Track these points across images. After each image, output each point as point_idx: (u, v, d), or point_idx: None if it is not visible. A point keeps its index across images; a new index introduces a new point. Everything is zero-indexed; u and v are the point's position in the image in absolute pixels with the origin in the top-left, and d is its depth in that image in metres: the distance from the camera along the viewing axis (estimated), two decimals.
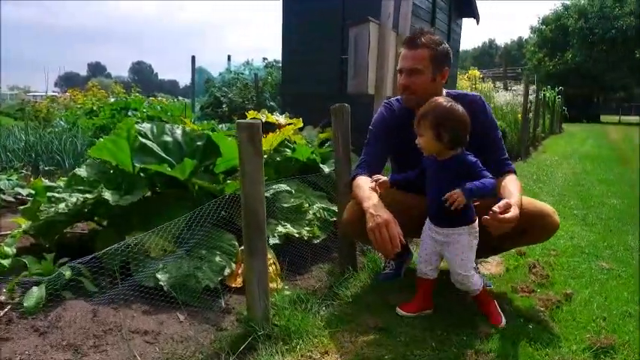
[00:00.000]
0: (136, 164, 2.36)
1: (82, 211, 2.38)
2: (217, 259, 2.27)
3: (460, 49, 7.96)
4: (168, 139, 2.57)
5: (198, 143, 2.61)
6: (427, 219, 2.02)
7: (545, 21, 31.16)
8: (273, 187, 2.68)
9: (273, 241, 2.55)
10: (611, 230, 3.57)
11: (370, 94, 3.74)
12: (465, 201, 1.76)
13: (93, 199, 2.21)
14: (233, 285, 2.28)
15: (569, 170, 6.77)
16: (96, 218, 2.61)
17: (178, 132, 2.62)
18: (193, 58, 9.57)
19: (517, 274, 2.55)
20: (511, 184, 2.01)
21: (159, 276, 2.07)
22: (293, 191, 2.73)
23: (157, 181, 2.56)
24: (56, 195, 2.30)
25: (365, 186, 2.07)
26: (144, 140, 2.41)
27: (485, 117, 2.18)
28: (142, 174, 2.63)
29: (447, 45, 2.19)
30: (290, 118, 3.74)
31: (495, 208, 1.74)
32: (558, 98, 15.83)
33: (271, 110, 8.56)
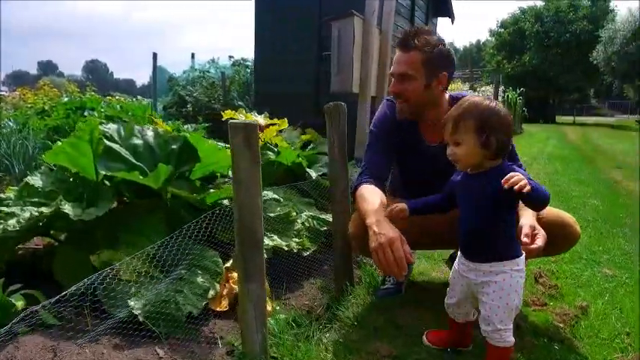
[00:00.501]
0: (101, 171, 2.04)
1: (36, 225, 2.04)
2: (200, 279, 1.98)
3: None
4: (138, 141, 2.26)
5: (173, 147, 2.30)
6: (458, 253, 1.61)
7: (503, 24, 32.02)
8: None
9: None
10: (602, 233, 3.49)
11: (354, 93, 3.52)
12: (529, 190, 1.30)
13: (50, 214, 1.87)
14: (218, 309, 2.00)
15: (541, 171, 6.78)
16: (53, 232, 2.27)
17: (149, 134, 2.31)
18: (155, 55, 9.06)
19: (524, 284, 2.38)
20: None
21: (132, 303, 1.77)
22: (281, 199, 2.46)
23: (124, 190, 2.24)
24: (5, 209, 1.94)
25: (370, 197, 1.85)
26: (110, 143, 2.09)
27: None
28: (106, 182, 2.31)
29: (445, 46, 1.97)
30: (270, 118, 3.47)
31: (524, 238, 1.55)
32: (519, 99, 16.17)
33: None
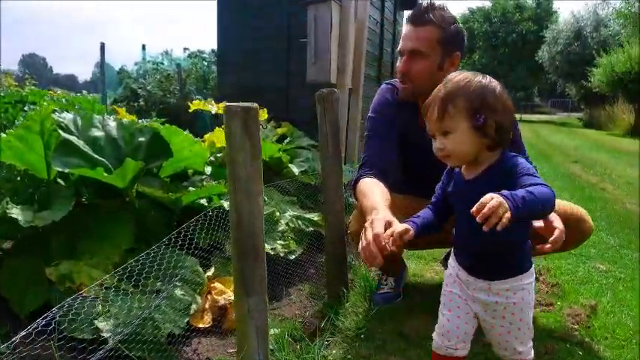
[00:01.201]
0: (57, 167, 1.72)
1: None
2: (179, 292, 1.71)
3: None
4: (99, 133, 1.95)
5: (140, 139, 2.01)
6: (451, 266, 1.31)
7: None
8: None
9: None
10: None
11: (332, 84, 3.31)
12: (510, 218, 0.94)
13: None
14: (200, 325, 1.74)
15: None
16: None
17: (112, 125, 2.00)
18: (102, 45, 8.46)
19: None
20: None
21: (100, 324, 1.48)
22: (266, 198, 2.21)
23: (83, 190, 1.92)
24: None
25: (369, 193, 1.64)
26: (67, 135, 1.77)
27: None
28: (60, 180, 1.98)
29: (460, 24, 1.80)
30: None
31: (551, 245, 1.37)
32: None
33: None
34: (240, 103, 1.19)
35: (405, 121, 1.86)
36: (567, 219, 1.68)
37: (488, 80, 1.18)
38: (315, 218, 2.42)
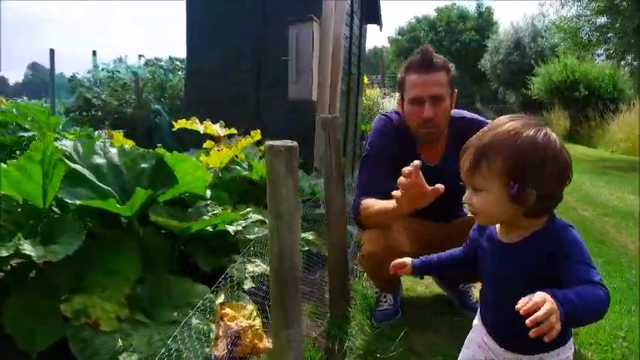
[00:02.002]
0: (66, 199, 1.68)
1: None
2: (194, 321, 1.70)
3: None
4: (101, 161, 1.91)
5: (143, 165, 1.99)
6: (477, 329, 1.20)
7: (400, 32, 33.79)
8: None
9: (248, 285, 2.05)
10: None
11: (313, 101, 3.38)
12: (558, 328, 0.81)
13: (7, 256, 1.49)
14: (216, 353, 1.74)
15: None
16: None
17: (113, 151, 1.97)
18: (52, 51, 8.08)
19: None
20: None
21: (124, 359, 1.46)
22: (266, 220, 2.24)
23: (87, 220, 1.88)
24: None
25: (379, 202, 1.78)
26: (74, 165, 1.73)
27: None
28: (55, 209, 1.92)
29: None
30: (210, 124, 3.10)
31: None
32: None
33: (158, 114, 7.67)
34: (282, 143, 1.23)
35: (403, 151, 1.97)
36: None
37: (541, 135, 0.96)
38: (310, 237, 2.48)
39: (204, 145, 3.05)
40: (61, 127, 5.42)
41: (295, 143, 1.25)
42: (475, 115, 2.07)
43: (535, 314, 0.80)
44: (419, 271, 1.31)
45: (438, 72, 1.79)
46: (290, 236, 1.26)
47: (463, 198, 1.08)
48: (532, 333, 0.80)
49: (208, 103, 4.60)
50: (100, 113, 7.64)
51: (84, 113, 7.65)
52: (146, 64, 8.30)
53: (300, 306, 1.34)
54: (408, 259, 1.29)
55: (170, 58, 8.42)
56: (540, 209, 0.99)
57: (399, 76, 1.97)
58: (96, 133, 5.34)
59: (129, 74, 8.03)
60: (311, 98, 3.28)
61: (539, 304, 0.81)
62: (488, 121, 2.00)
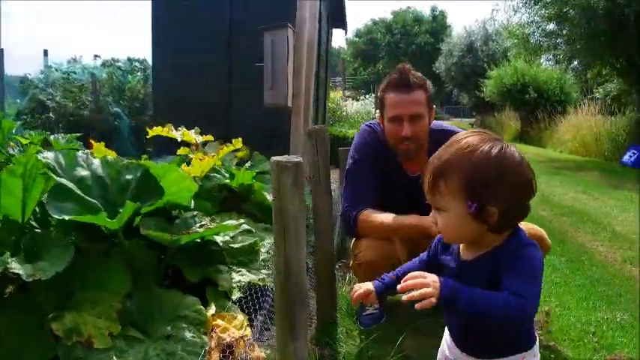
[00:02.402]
0: (54, 215, 1.63)
1: None
2: (188, 334, 1.70)
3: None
4: (85, 173, 1.86)
5: (128, 177, 1.95)
6: (444, 339, 1.20)
7: (358, 34, 34.26)
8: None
9: (236, 295, 2.05)
10: None
11: (289, 106, 3.40)
12: (433, 301, 0.88)
13: None
14: None
15: None
16: None
17: (96, 162, 1.91)
18: (1, 52, 7.66)
19: None
20: None
21: None
22: (253, 230, 2.24)
23: (71, 234, 1.82)
24: None
25: (384, 215, 1.88)
26: (59, 179, 1.68)
27: None
28: (33, 223, 1.86)
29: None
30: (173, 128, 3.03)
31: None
32: None
33: (118, 117, 7.44)
34: (288, 158, 1.25)
35: (386, 161, 2.03)
36: (531, 237, 1.95)
37: (495, 151, 0.94)
38: None
39: (179, 152, 3.00)
40: (14, 131, 5.18)
41: (301, 159, 1.28)
42: (454, 127, 2.16)
43: (410, 282, 0.90)
44: (381, 295, 1.21)
45: (416, 91, 1.86)
46: (296, 251, 1.28)
47: (430, 218, 1.09)
48: (404, 298, 0.90)
49: (177, 109, 4.53)
50: (54, 116, 7.33)
51: (37, 116, 7.32)
52: (103, 64, 8.03)
53: (306, 319, 1.37)
54: (370, 286, 1.19)
55: (129, 59, 8.17)
56: (505, 225, 0.97)
57: (379, 94, 2.03)
58: (52, 137, 5.13)
59: (85, 75, 7.75)
60: (286, 104, 3.29)
61: (414, 276, 0.91)
62: (458, 128, 2.11)
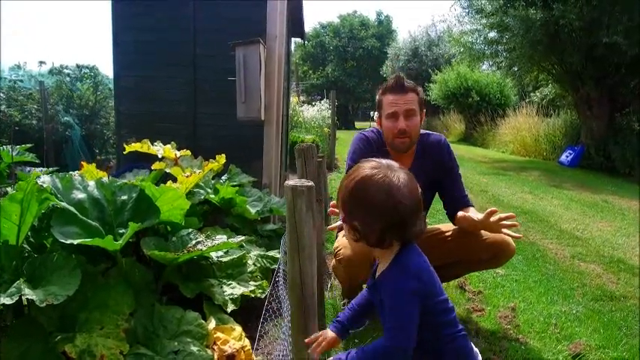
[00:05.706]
0: (60, 239, 1.65)
1: None
2: (194, 349, 1.77)
3: None
4: (82, 195, 1.88)
5: (123, 198, 1.98)
6: None
7: (307, 37, 34.52)
8: (217, 240, 2.23)
9: (231, 307, 2.13)
10: None
11: (262, 120, 3.49)
12: None
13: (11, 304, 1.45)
14: None
15: None
16: None
17: (92, 185, 1.94)
18: None
19: (456, 295, 2.72)
20: (474, 213, 2.16)
21: None
22: (244, 244, 2.33)
23: (72, 257, 1.84)
24: None
25: None
26: (62, 204, 1.70)
27: (449, 156, 2.29)
28: (26, 247, 1.86)
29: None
30: (137, 142, 3.02)
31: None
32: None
33: (69, 126, 7.17)
34: (301, 182, 1.37)
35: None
36: (497, 242, 2.17)
37: (369, 176, 1.13)
38: (277, 255, 2.60)
39: (155, 167, 3.02)
40: None
41: (312, 183, 1.40)
42: (436, 133, 2.37)
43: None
44: (344, 335, 1.39)
45: (410, 93, 2.09)
46: (310, 267, 1.40)
47: None
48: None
49: (141, 121, 4.48)
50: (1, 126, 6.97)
51: None
52: (51, 72, 7.70)
53: (316, 327, 1.48)
54: (330, 334, 1.36)
55: (78, 66, 7.89)
56: (378, 242, 1.14)
57: (377, 97, 2.22)
58: (2, 148, 4.91)
59: (32, 83, 7.42)
60: (260, 118, 3.38)
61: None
62: (437, 134, 2.31)
